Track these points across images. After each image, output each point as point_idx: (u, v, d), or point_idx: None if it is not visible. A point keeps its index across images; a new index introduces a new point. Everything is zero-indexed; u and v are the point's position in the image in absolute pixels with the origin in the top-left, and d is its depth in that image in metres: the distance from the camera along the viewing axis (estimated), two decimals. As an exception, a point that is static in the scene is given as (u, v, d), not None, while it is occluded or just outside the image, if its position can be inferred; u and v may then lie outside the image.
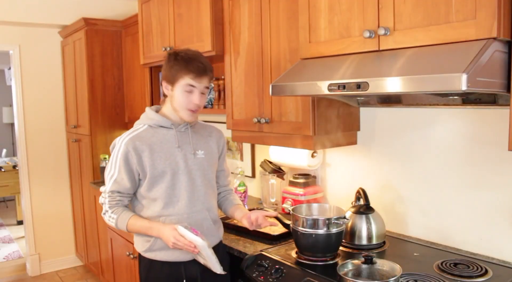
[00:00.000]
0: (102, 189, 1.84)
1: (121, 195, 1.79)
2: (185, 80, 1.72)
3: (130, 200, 1.85)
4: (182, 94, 1.74)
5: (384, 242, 1.91)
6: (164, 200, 1.77)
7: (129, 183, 1.76)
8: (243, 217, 1.86)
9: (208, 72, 1.75)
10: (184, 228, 1.64)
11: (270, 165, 2.56)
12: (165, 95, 1.83)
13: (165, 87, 1.80)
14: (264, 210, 1.89)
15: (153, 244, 1.79)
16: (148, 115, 1.84)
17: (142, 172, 1.75)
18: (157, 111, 1.85)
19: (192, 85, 1.73)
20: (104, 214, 1.81)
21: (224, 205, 2.02)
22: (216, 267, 1.66)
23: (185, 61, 1.73)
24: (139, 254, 1.88)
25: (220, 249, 1.91)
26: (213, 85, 2.80)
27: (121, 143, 1.77)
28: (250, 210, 2.44)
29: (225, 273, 1.71)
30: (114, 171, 1.77)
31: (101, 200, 1.84)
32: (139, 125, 1.83)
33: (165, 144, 1.78)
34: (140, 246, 1.85)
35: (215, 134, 1.97)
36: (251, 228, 1.84)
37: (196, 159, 1.83)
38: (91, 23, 3.73)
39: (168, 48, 2.82)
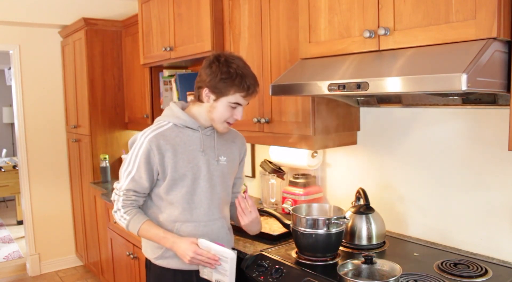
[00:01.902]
0: (116, 185, 1.72)
1: (137, 195, 1.69)
2: (235, 98, 1.62)
3: (145, 200, 1.74)
4: (226, 109, 1.64)
5: (384, 242, 1.91)
6: (182, 205, 1.68)
7: (147, 183, 1.67)
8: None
9: (258, 92, 1.66)
10: (209, 242, 1.57)
11: (270, 165, 2.56)
12: (200, 100, 1.68)
13: (205, 95, 1.65)
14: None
15: (166, 251, 1.69)
16: (175, 113, 1.72)
17: (162, 172, 1.66)
18: (182, 108, 1.75)
19: (239, 103, 1.64)
20: (116, 212, 1.71)
21: (232, 211, 1.91)
22: None
23: (240, 77, 1.59)
24: (148, 261, 1.79)
25: None
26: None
27: (143, 139, 1.65)
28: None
29: None
30: (132, 168, 1.66)
31: (114, 196, 1.73)
32: (164, 122, 1.71)
33: (189, 146, 1.69)
34: (150, 252, 1.76)
35: (239, 141, 1.88)
36: (243, 222, 1.73)
37: (218, 165, 1.74)
38: (91, 23, 3.73)
39: (168, 48, 2.82)
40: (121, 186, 1.69)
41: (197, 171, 1.69)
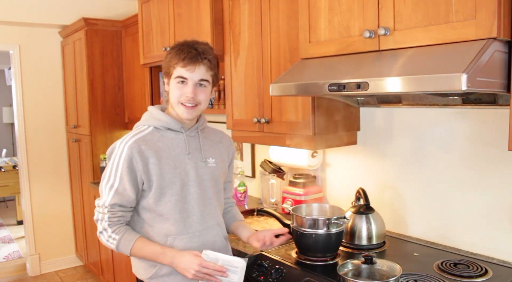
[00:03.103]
0: (98, 202, 1.55)
1: (123, 210, 1.53)
2: (177, 71, 1.51)
3: (132, 215, 1.59)
4: (174, 87, 1.53)
5: (384, 242, 1.91)
6: (174, 215, 1.54)
7: (133, 194, 1.51)
8: (251, 237, 1.68)
9: (202, 60, 1.50)
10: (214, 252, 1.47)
11: (270, 165, 2.56)
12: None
13: (165, 84, 1.59)
14: (273, 229, 1.70)
15: (160, 268, 1.55)
16: (154, 115, 1.60)
17: (147, 181, 1.51)
18: (162, 110, 1.63)
19: (182, 77, 1.50)
20: (101, 233, 1.52)
21: (225, 218, 1.80)
22: None
23: (178, 49, 1.52)
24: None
25: None
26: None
27: (123, 146, 1.51)
28: (249, 210, 2.44)
29: None
30: (114, 180, 1.51)
31: (97, 215, 1.54)
32: (143, 127, 1.59)
33: (173, 150, 1.56)
34: (143, 272, 1.59)
35: (226, 141, 1.77)
36: (263, 248, 1.65)
37: (207, 167, 1.62)
38: (91, 23, 3.74)
39: (168, 48, 2.82)
40: (104, 202, 1.52)
41: (185, 176, 1.56)
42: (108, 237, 1.52)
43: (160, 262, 1.53)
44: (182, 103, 1.54)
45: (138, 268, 1.63)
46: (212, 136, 1.73)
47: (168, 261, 1.50)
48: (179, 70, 1.51)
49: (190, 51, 1.50)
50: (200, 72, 1.52)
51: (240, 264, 1.47)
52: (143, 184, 1.53)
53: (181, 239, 1.56)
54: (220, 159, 1.71)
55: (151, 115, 1.61)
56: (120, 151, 1.52)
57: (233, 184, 1.96)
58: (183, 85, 1.52)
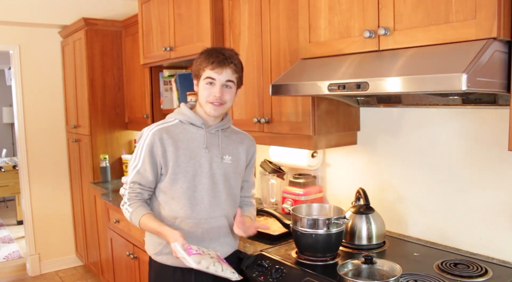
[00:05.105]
0: (124, 179, 1.77)
1: (142, 188, 1.72)
2: (206, 73, 1.67)
3: (151, 194, 1.77)
4: (204, 88, 1.69)
5: (384, 242, 1.91)
6: (183, 200, 1.70)
7: (152, 176, 1.71)
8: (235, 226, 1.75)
9: (229, 64, 1.66)
10: (181, 246, 1.54)
11: (270, 165, 2.56)
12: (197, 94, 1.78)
13: (195, 85, 1.75)
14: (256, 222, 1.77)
15: (165, 247, 1.73)
16: (181, 110, 1.78)
17: (165, 166, 1.70)
18: (190, 108, 1.79)
19: (211, 78, 1.66)
20: (123, 205, 1.75)
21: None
22: (229, 276, 1.55)
23: (207, 53, 1.68)
24: (150, 258, 1.82)
25: (235, 259, 1.85)
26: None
27: (148, 132, 1.71)
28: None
29: (241, 278, 1.58)
30: (138, 161, 1.72)
31: (121, 190, 1.78)
32: (170, 119, 1.77)
33: (191, 143, 1.72)
34: (152, 248, 1.79)
35: (247, 142, 1.88)
36: (236, 230, 1.73)
37: (222, 163, 1.76)
38: (91, 23, 3.73)
39: (168, 48, 2.82)
40: (127, 179, 1.74)
41: (198, 168, 1.71)
42: (126, 209, 1.73)
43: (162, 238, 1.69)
44: (210, 102, 1.69)
45: (148, 244, 1.82)
46: (234, 136, 1.86)
47: (165, 240, 1.67)
48: (208, 72, 1.67)
49: (218, 56, 1.66)
50: (226, 74, 1.67)
51: (188, 265, 1.51)
52: (161, 168, 1.71)
53: (187, 223, 1.71)
54: (237, 158, 1.82)
55: (179, 111, 1.79)
56: (145, 136, 1.72)
57: (252, 184, 1.95)
58: (211, 86, 1.68)
